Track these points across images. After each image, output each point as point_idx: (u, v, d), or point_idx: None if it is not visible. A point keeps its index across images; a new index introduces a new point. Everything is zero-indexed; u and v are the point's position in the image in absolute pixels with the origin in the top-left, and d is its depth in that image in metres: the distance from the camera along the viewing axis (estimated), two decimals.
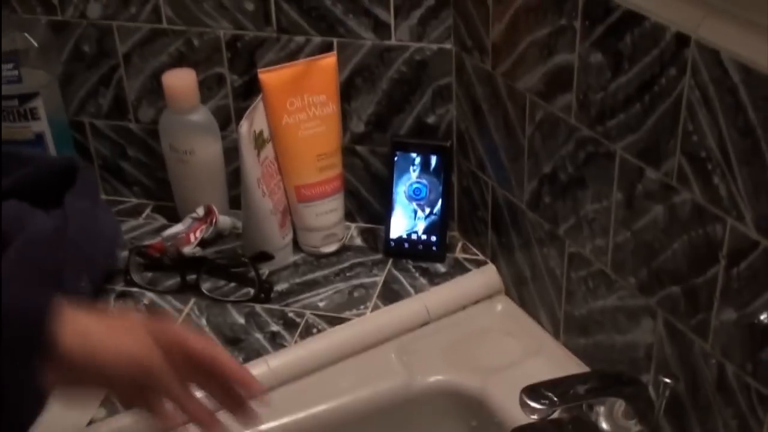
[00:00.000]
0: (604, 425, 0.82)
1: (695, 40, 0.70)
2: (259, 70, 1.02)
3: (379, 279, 1.06)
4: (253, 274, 1.03)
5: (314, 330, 0.99)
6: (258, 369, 0.94)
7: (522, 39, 0.90)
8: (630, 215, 0.82)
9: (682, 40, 0.71)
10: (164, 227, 1.13)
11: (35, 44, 1.07)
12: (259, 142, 1.02)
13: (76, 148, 1.17)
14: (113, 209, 1.18)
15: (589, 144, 0.85)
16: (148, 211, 1.19)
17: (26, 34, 1.07)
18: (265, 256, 1.05)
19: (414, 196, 1.08)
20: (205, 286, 1.04)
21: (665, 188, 0.77)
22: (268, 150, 1.04)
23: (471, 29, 0.97)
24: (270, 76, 1.01)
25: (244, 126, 0.99)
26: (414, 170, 1.07)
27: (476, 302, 1.05)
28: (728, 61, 0.68)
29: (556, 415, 0.80)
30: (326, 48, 1.04)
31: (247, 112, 1.00)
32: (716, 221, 0.73)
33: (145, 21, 1.07)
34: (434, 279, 1.06)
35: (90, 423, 0.89)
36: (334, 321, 1.00)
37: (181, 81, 1.07)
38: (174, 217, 1.14)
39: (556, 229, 0.93)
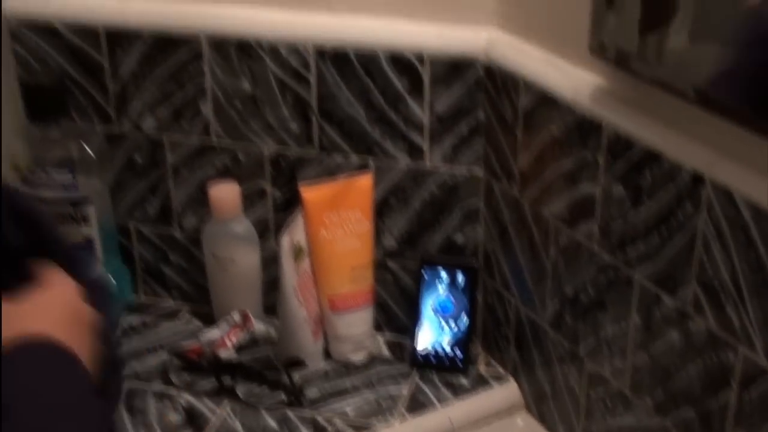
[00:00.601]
0: None
1: (710, 180, 0.76)
2: (301, 187, 1.08)
3: (406, 390, 1.10)
4: (286, 379, 1.08)
5: None
6: None
7: (548, 168, 0.96)
8: (647, 338, 0.87)
9: (697, 179, 0.77)
10: (200, 330, 1.18)
11: (91, 153, 1.15)
12: (297, 253, 1.08)
13: (121, 252, 1.24)
14: (152, 311, 1.24)
15: (610, 270, 0.90)
16: (185, 313, 1.25)
17: (83, 143, 1.14)
18: (298, 363, 1.10)
19: (441, 310, 1.13)
20: (240, 390, 1.08)
21: (681, 315, 0.82)
22: (305, 261, 1.10)
23: (500, 157, 1.04)
24: (311, 193, 1.08)
25: (285, 239, 1.05)
26: (441, 286, 1.13)
27: (498, 416, 1.09)
28: (740, 200, 0.73)
29: None
30: (363, 167, 1.11)
31: (288, 225, 1.07)
32: (728, 348, 0.78)
33: (195, 136, 1.15)
34: (458, 392, 1.10)
35: None
36: (362, 429, 1.04)
37: (225, 193, 1.13)
38: (209, 320, 1.20)
39: (577, 349, 0.98)
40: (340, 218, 1.10)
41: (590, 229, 0.91)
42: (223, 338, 1.14)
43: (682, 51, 0.77)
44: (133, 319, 1.23)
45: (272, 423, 1.05)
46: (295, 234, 1.07)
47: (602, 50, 0.83)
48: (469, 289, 1.12)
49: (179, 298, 1.26)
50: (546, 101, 0.93)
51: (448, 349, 1.13)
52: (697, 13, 0.74)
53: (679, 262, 0.81)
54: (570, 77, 0.91)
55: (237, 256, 1.15)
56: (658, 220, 0.82)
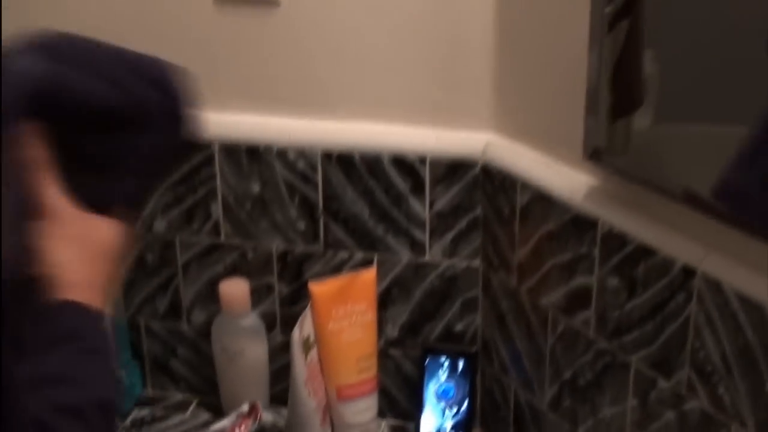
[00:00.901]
0: None
1: (700, 272, 0.83)
2: (309, 283, 1.15)
3: None
4: None
5: None
6: None
7: (545, 261, 1.03)
8: (644, 419, 0.93)
9: (689, 272, 0.84)
10: (208, 422, 1.23)
11: None
12: (306, 346, 1.13)
13: (130, 346, 1.28)
14: (161, 404, 1.29)
15: (607, 355, 0.97)
16: (192, 406, 1.29)
17: None
18: None
19: (443, 396, 1.19)
20: None
21: (676, 396, 0.89)
22: (313, 353, 1.16)
23: (497, 250, 1.11)
24: (319, 288, 1.14)
25: (296, 333, 1.11)
26: (443, 373, 1.19)
27: None
28: (729, 291, 0.80)
29: None
30: (367, 262, 1.17)
31: (299, 320, 1.13)
32: (722, 427, 0.84)
33: (205, 236, 1.21)
34: None
35: None
36: None
37: (235, 290, 1.19)
38: (218, 412, 1.24)
39: (575, 430, 1.04)
40: (346, 311, 1.16)
41: (587, 318, 0.98)
42: (233, 429, 1.18)
43: (648, 145, 0.85)
44: (143, 413, 1.27)
45: None
46: (304, 327, 1.13)
47: (590, 151, 0.92)
48: (470, 375, 1.18)
49: (187, 390, 1.31)
50: (542, 200, 1.01)
51: None
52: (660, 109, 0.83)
53: (673, 348, 0.88)
54: (565, 177, 0.99)
55: (246, 350, 1.21)
56: (653, 310, 0.89)
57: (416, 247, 1.15)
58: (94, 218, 0.71)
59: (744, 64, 0.75)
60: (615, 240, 0.92)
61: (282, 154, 1.15)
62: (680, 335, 0.87)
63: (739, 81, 0.76)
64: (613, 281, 0.93)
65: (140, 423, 1.25)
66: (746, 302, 0.79)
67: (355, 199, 1.15)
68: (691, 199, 0.82)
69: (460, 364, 1.18)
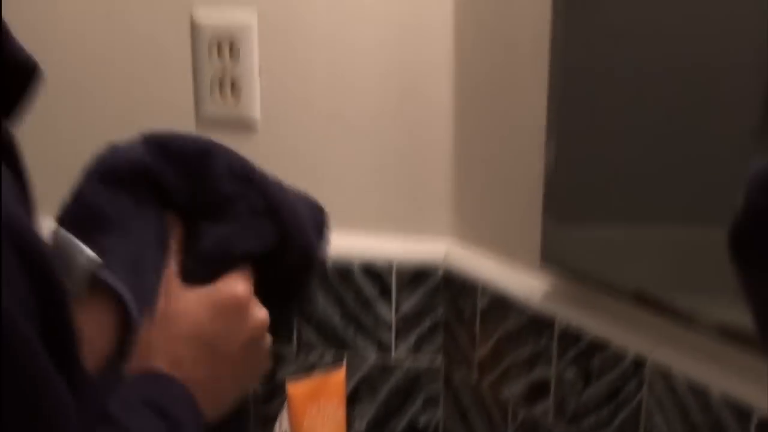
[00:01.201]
0: None
1: (650, 362, 0.95)
2: (287, 383, 1.23)
3: None
4: None
5: None
6: None
7: (504, 357, 1.14)
8: None
9: (639, 362, 0.96)
10: None
11: None
12: None
13: None
14: None
15: None
16: None
17: None
18: None
19: None
20: None
21: None
22: None
23: (459, 348, 1.21)
24: (295, 389, 1.23)
25: (277, 430, 1.19)
26: None
27: None
28: (677, 377, 0.92)
29: None
30: (337, 362, 1.26)
31: (278, 418, 1.21)
32: None
33: None
34: None
35: None
36: None
37: None
38: None
39: None
40: (319, 408, 1.24)
41: (546, 408, 1.09)
42: None
43: (598, 248, 0.98)
44: None
45: None
46: (282, 424, 1.21)
47: (545, 254, 1.04)
48: None
49: None
50: (501, 302, 1.12)
51: None
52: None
53: (627, 429, 0.99)
54: (522, 280, 1.10)
55: None
56: (607, 397, 1.00)
57: (383, 347, 1.25)
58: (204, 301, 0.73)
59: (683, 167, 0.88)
60: (571, 336, 1.03)
61: None
62: (633, 419, 0.98)
63: (675, 185, 0.89)
64: (570, 373, 1.05)
65: None
66: (692, 388, 0.90)
67: (327, 305, 1.24)
68: (641, 297, 0.94)
69: None
